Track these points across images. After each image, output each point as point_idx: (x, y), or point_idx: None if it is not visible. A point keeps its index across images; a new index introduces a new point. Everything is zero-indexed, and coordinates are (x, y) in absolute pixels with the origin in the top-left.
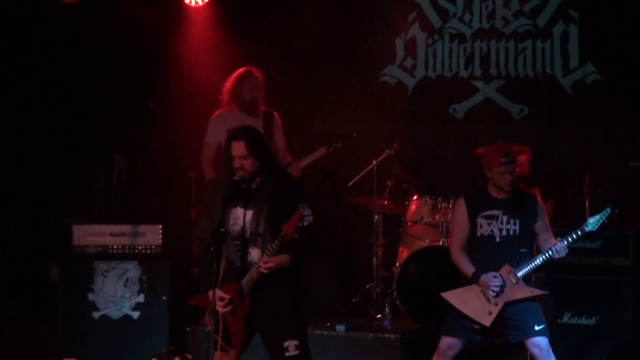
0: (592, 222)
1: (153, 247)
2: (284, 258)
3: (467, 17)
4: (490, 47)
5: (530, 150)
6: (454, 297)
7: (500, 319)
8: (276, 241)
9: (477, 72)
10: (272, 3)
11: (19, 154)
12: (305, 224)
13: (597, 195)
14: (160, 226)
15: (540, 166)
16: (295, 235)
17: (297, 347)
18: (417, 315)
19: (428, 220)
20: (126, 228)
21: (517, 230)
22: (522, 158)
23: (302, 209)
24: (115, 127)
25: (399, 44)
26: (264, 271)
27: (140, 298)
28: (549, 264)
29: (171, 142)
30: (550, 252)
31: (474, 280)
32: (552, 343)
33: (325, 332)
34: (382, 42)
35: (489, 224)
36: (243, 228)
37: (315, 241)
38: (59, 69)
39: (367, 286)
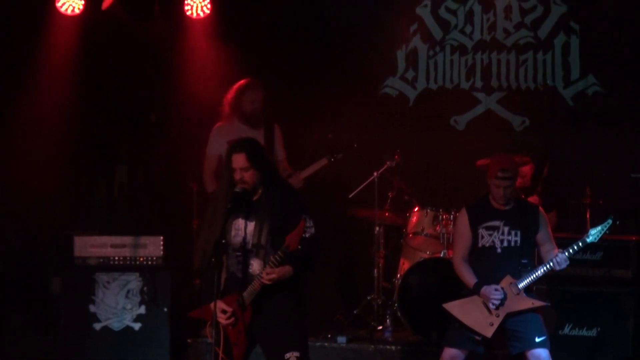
0: (594, 233)
1: (154, 258)
2: (286, 269)
3: (468, 28)
4: (492, 59)
5: (531, 161)
6: (455, 308)
7: (501, 330)
8: (279, 252)
9: (478, 83)
10: (273, 15)
11: (19, 166)
12: (307, 235)
13: (598, 206)
14: (162, 237)
15: (539, 175)
16: (299, 246)
17: (298, 359)
18: (418, 326)
19: (429, 231)
20: (127, 239)
21: (519, 241)
22: (526, 169)
23: (304, 220)
24: (117, 139)
25: (400, 55)
26: (267, 282)
27: (142, 309)
28: (550, 275)
29: (172, 154)
30: (551, 264)
31: (475, 291)
32: (553, 354)
33: (326, 344)
34: (383, 54)
35: (490, 235)
36: (244, 239)
37: (318, 253)
38: (60, 81)
39: (368, 298)
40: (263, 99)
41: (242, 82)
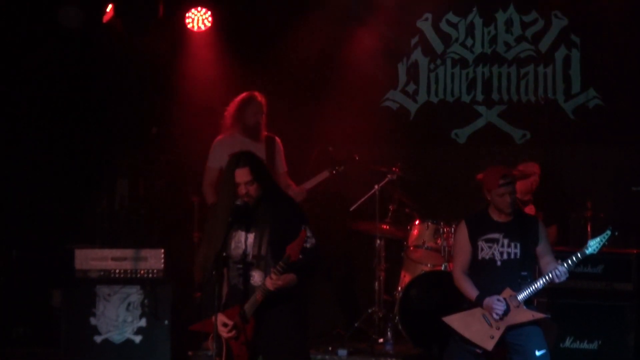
0: (593, 245)
1: (155, 271)
2: (291, 277)
3: (469, 42)
4: (493, 72)
5: (538, 171)
6: (456, 321)
7: (502, 343)
8: (281, 262)
9: (479, 97)
10: (274, 28)
11: (22, 179)
12: (308, 245)
13: (599, 220)
14: (163, 250)
15: (541, 189)
16: (300, 256)
17: None
18: (419, 339)
19: (430, 244)
20: (128, 252)
21: (518, 254)
22: (525, 183)
23: (305, 231)
24: (118, 152)
25: (401, 68)
26: (272, 289)
27: (143, 322)
28: (551, 288)
29: (173, 167)
30: (550, 276)
31: (477, 303)
32: None
33: (327, 357)
34: (384, 67)
35: (490, 248)
36: (245, 251)
37: (319, 263)
38: (62, 95)
39: (369, 310)
40: (265, 112)
41: (244, 95)
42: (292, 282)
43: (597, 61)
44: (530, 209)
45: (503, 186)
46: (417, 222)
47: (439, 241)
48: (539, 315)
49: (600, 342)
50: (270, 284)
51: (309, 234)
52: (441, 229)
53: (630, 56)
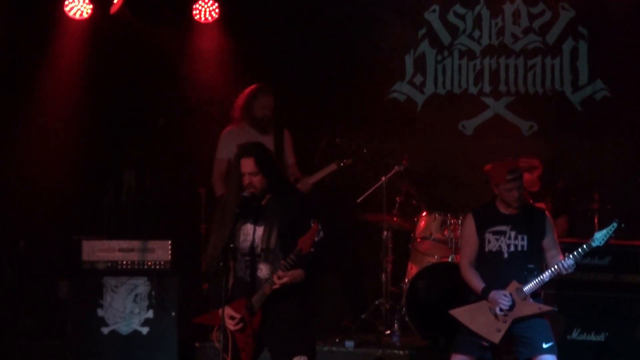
0: (599, 237)
1: (162, 262)
2: (298, 273)
3: (476, 33)
4: (500, 64)
5: (540, 164)
6: (462, 314)
7: (509, 335)
8: (292, 255)
9: (487, 88)
10: (281, 20)
11: (28, 170)
12: (317, 239)
13: (606, 211)
14: (170, 242)
15: (549, 182)
16: (311, 250)
17: None
18: (426, 331)
19: (437, 236)
20: (135, 244)
21: (525, 246)
22: (534, 176)
23: (317, 224)
24: (125, 143)
25: (409, 60)
26: (278, 286)
27: (150, 314)
28: (558, 280)
29: (180, 158)
30: (556, 267)
31: (483, 296)
32: None
33: (334, 348)
34: (392, 59)
35: (497, 240)
36: (253, 244)
37: (326, 257)
38: (68, 85)
39: (376, 302)
40: (273, 104)
41: (253, 87)
42: (299, 277)
43: (605, 53)
44: (542, 206)
45: (510, 181)
46: (424, 213)
47: (445, 233)
48: (546, 308)
49: (607, 334)
50: (276, 281)
51: (319, 227)
52: (448, 221)
53: (637, 47)
